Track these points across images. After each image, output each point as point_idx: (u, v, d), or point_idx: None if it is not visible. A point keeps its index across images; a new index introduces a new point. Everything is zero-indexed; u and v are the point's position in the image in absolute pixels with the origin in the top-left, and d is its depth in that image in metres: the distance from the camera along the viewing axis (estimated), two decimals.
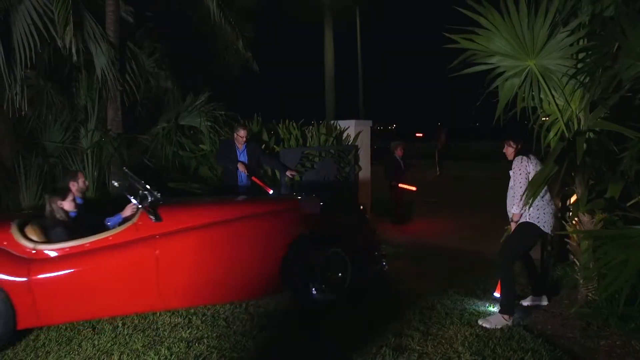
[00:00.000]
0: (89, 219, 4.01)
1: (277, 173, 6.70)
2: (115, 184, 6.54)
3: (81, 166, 6.19)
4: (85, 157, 6.24)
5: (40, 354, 3.25)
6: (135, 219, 3.78)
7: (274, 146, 7.14)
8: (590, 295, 3.92)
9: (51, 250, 3.54)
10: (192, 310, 3.97)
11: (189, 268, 3.78)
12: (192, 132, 7.56)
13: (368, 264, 4.50)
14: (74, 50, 5.75)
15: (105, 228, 3.96)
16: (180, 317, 3.84)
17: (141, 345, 3.35)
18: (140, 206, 3.83)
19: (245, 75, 9.77)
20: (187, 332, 3.55)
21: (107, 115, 6.67)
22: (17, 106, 5.74)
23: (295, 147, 7.24)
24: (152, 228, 3.75)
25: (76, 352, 3.27)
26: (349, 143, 7.86)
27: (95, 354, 3.23)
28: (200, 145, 7.24)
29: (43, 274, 3.43)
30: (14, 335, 3.40)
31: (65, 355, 3.22)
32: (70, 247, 3.57)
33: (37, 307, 3.39)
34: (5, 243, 3.50)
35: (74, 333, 3.56)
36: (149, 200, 3.87)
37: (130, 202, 3.98)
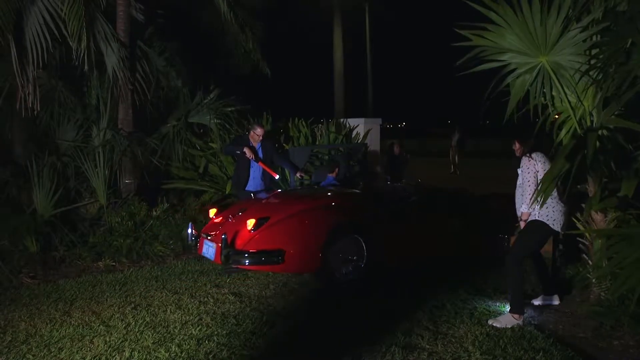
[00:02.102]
0: None
1: (287, 173, 6.71)
2: (127, 181, 6.63)
3: (93, 165, 6.26)
4: (97, 156, 6.30)
5: (53, 350, 3.29)
6: None
7: (284, 144, 7.15)
8: (602, 294, 3.87)
9: None
10: (203, 309, 4.00)
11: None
12: (201, 130, 7.60)
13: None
14: (85, 57, 5.81)
15: None
16: (191, 314, 3.87)
17: (152, 342, 3.38)
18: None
19: (254, 73, 9.79)
20: (198, 329, 3.58)
21: (118, 114, 6.73)
22: (30, 106, 5.81)
23: (304, 146, 7.24)
24: None
25: (88, 349, 3.30)
26: (359, 141, 7.84)
27: (106, 351, 3.26)
28: (209, 144, 7.27)
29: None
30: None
31: (77, 352, 3.26)
32: None
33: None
34: None
35: (87, 329, 3.61)
36: None
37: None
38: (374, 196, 5.50)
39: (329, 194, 5.45)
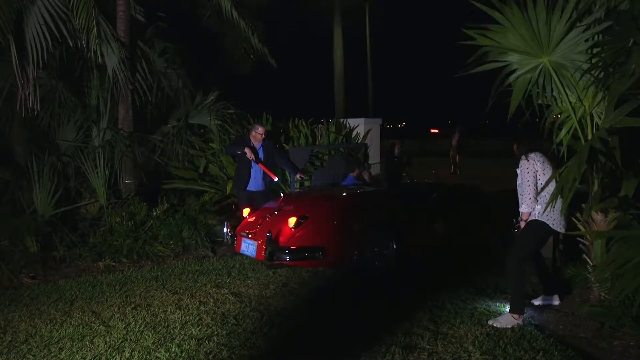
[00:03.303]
0: None
1: (288, 174, 6.71)
2: (127, 182, 6.63)
3: (93, 165, 6.26)
4: (97, 156, 6.30)
5: (53, 350, 3.29)
6: None
7: (284, 144, 7.15)
8: (603, 294, 3.87)
9: None
10: (203, 309, 3.99)
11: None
12: (201, 130, 7.60)
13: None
14: (98, 53, 5.87)
15: None
16: (191, 314, 3.87)
17: (152, 342, 3.38)
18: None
19: (255, 73, 9.80)
20: (198, 329, 3.58)
21: (119, 115, 6.73)
22: (30, 106, 5.81)
23: (304, 146, 7.23)
24: None
25: (88, 349, 3.30)
26: (359, 141, 7.84)
27: (106, 351, 3.26)
28: (210, 144, 7.27)
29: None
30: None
31: (77, 352, 3.26)
32: None
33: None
34: None
35: (87, 329, 3.60)
36: None
37: None
38: (401, 194, 5.86)
39: (360, 193, 5.73)
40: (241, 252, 5.08)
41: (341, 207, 5.22)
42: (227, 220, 5.82)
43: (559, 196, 3.71)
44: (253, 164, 5.84)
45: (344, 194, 5.72)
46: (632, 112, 3.50)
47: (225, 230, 5.42)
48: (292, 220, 4.82)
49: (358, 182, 6.24)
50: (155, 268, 5.23)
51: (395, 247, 5.04)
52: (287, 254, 4.67)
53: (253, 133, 5.95)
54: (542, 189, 3.75)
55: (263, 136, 5.93)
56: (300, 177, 6.32)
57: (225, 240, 5.43)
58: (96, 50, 5.91)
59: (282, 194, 5.87)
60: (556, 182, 3.59)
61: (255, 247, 4.87)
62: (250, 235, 5.02)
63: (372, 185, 6.33)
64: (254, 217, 5.31)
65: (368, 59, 21.24)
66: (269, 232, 4.68)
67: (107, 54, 6.32)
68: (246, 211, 5.48)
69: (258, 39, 8.33)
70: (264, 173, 5.93)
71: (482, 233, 5.71)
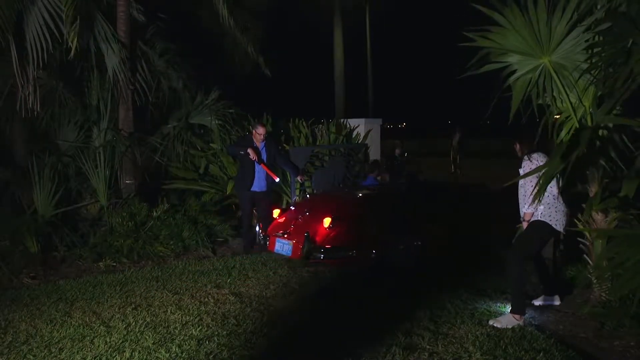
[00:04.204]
0: None
1: (288, 175, 6.70)
2: (127, 182, 6.63)
3: (93, 165, 6.26)
4: (97, 156, 6.31)
5: (53, 350, 3.29)
6: None
7: (284, 144, 7.15)
8: (603, 295, 3.86)
9: None
10: (203, 309, 4.00)
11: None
12: (202, 131, 7.60)
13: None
14: (75, 46, 5.64)
15: None
16: (191, 315, 3.87)
17: (152, 342, 3.38)
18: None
19: (255, 73, 9.79)
20: (198, 329, 3.58)
21: (119, 115, 6.73)
22: (30, 106, 5.81)
23: (305, 146, 7.23)
24: None
25: (88, 349, 3.30)
26: (359, 141, 7.84)
27: (107, 351, 3.26)
28: (210, 144, 7.27)
29: None
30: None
31: (77, 352, 3.26)
32: None
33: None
34: None
35: (87, 330, 3.61)
36: None
37: None
38: (421, 194, 6.14)
39: (386, 193, 6.11)
40: (275, 251, 5.28)
41: (372, 208, 5.53)
42: (226, 220, 5.94)
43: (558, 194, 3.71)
44: (256, 164, 5.83)
45: (372, 194, 6.07)
46: (631, 111, 3.51)
47: (257, 230, 5.74)
48: (327, 221, 5.02)
49: (377, 182, 6.57)
50: (155, 268, 5.23)
51: (418, 245, 5.20)
52: (323, 252, 4.87)
53: (254, 133, 5.94)
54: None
55: (264, 136, 5.91)
56: (300, 179, 6.31)
57: (258, 240, 5.72)
58: (94, 55, 5.89)
59: (307, 195, 6.21)
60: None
61: (290, 247, 5.06)
62: (285, 235, 5.20)
63: (390, 185, 6.71)
64: (284, 218, 5.54)
65: (368, 59, 21.21)
66: (307, 232, 4.91)
67: (108, 54, 6.33)
68: (276, 212, 5.70)
69: (253, 48, 8.33)
70: (266, 174, 5.92)
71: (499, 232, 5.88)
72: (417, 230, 5.27)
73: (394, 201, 5.75)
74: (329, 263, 5.03)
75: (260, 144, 5.95)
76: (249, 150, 5.74)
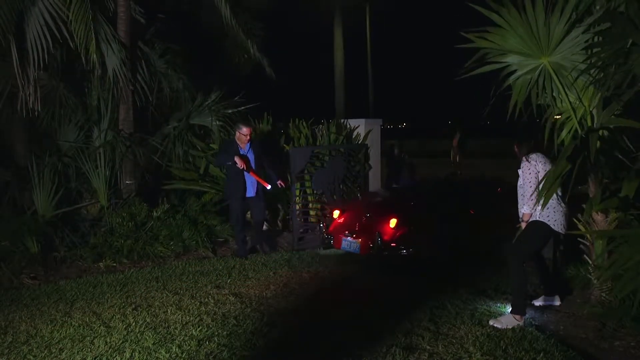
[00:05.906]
0: None
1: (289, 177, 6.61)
2: (128, 182, 6.63)
3: (94, 165, 6.26)
4: (97, 157, 6.31)
5: (53, 351, 3.29)
6: None
7: (284, 145, 7.15)
8: (604, 295, 3.86)
9: None
10: (203, 310, 4.00)
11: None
12: (202, 131, 7.60)
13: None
14: (97, 58, 5.97)
15: None
16: (191, 315, 3.87)
17: (152, 342, 3.38)
18: None
19: (255, 74, 9.79)
20: (198, 330, 3.58)
21: (119, 115, 6.73)
22: (31, 107, 5.82)
23: (305, 146, 7.23)
24: None
25: (89, 349, 3.30)
26: (359, 142, 7.84)
27: (107, 351, 3.26)
28: (210, 145, 7.27)
29: None
30: None
31: (77, 352, 3.26)
32: None
33: None
34: None
35: (87, 330, 3.61)
36: None
37: None
38: (461, 192, 6.67)
39: (431, 194, 6.67)
40: (342, 249, 5.89)
41: (427, 207, 6.12)
42: (226, 220, 5.99)
43: (558, 195, 3.71)
44: (246, 174, 5.52)
45: (423, 194, 6.74)
46: (631, 111, 3.51)
47: (323, 229, 6.25)
48: (393, 221, 5.70)
49: (411, 182, 7.21)
50: (155, 269, 5.23)
51: (454, 238, 5.63)
52: (390, 249, 5.55)
53: (238, 134, 5.55)
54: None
55: (249, 137, 5.57)
56: (280, 184, 5.93)
57: (325, 238, 6.18)
58: (92, 64, 5.96)
59: (359, 195, 6.77)
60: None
61: (358, 245, 5.72)
62: (354, 235, 5.81)
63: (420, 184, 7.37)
64: (344, 218, 6.16)
65: (368, 60, 21.22)
66: (378, 231, 5.58)
67: (108, 54, 6.33)
68: (336, 213, 6.20)
69: (255, 50, 8.33)
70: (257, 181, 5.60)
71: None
72: (457, 224, 5.80)
73: (436, 200, 6.38)
74: (393, 259, 5.54)
75: (245, 146, 5.60)
76: (236, 160, 5.35)
